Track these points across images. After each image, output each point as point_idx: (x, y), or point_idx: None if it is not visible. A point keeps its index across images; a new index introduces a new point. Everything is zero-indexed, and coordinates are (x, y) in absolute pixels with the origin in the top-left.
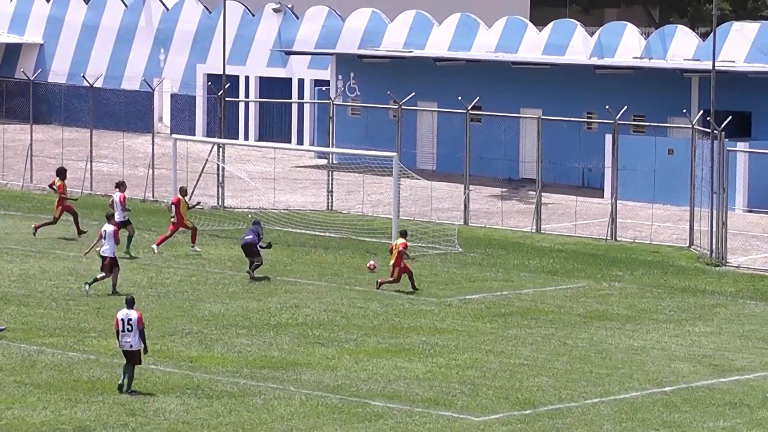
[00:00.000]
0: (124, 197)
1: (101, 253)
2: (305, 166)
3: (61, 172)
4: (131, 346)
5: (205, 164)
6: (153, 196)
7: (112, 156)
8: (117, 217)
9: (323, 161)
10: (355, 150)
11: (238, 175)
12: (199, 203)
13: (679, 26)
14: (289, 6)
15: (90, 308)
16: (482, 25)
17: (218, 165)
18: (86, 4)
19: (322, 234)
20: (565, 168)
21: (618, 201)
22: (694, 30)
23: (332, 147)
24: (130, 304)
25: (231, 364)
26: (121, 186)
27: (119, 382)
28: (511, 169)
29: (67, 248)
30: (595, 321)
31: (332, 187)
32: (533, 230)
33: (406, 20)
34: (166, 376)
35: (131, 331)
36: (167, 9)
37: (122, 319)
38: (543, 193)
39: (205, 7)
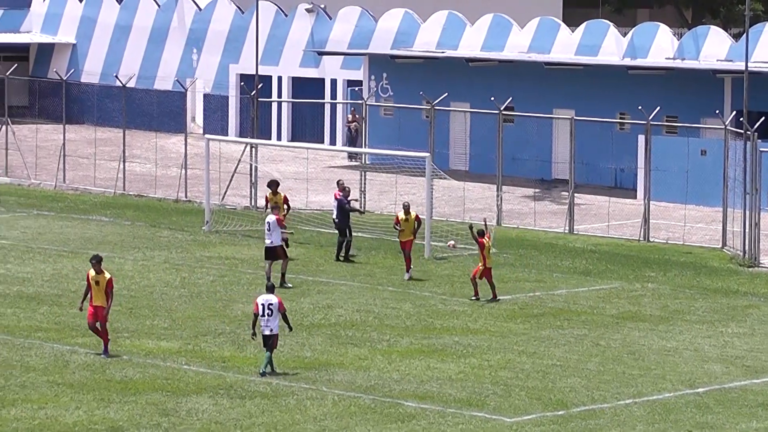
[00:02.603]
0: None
1: (268, 244)
2: (338, 167)
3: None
4: (271, 331)
5: (238, 164)
6: (186, 197)
7: (144, 156)
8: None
9: (356, 162)
10: (388, 150)
11: (271, 175)
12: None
13: (712, 27)
14: (322, 6)
15: (123, 308)
16: (515, 26)
17: (251, 165)
18: (119, 4)
19: (355, 234)
20: (598, 169)
21: (651, 202)
22: (726, 31)
23: (365, 147)
24: (270, 289)
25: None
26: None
27: (261, 371)
28: (544, 169)
29: (99, 248)
30: (628, 322)
31: (365, 188)
32: (566, 231)
33: (439, 20)
34: (198, 377)
35: (271, 315)
36: (200, 9)
37: (263, 304)
38: (576, 194)
39: (237, 7)
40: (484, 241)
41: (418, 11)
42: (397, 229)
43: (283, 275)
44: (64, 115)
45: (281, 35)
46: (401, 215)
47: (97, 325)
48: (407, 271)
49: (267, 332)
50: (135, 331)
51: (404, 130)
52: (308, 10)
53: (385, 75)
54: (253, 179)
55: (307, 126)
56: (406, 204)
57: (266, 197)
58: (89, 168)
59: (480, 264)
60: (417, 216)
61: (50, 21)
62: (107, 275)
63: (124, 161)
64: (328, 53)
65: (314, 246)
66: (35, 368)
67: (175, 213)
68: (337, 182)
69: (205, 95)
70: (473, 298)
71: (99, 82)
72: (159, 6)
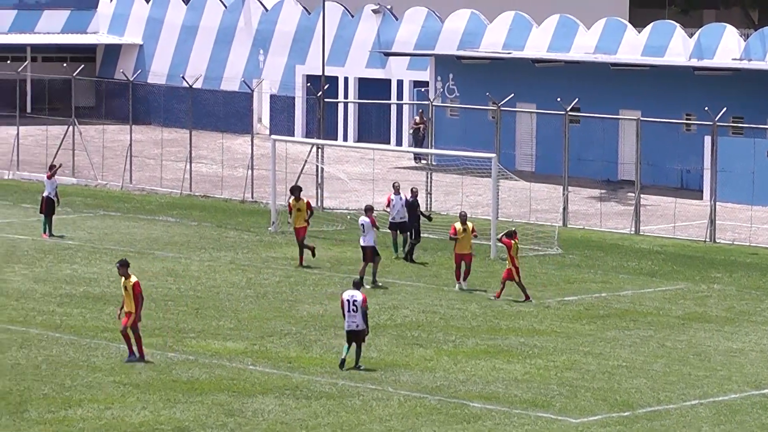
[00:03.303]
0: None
1: (362, 243)
2: (404, 167)
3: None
4: (357, 326)
5: (304, 165)
6: (252, 197)
7: (210, 157)
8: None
9: (422, 163)
10: (454, 151)
11: (337, 176)
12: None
13: None
14: (388, 7)
15: (189, 309)
16: (581, 27)
17: (317, 166)
18: (185, 4)
19: (421, 235)
20: (664, 169)
21: (717, 203)
22: None
23: (431, 148)
24: (356, 285)
25: (329, 365)
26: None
27: (341, 357)
28: (610, 170)
29: (166, 248)
30: (694, 323)
31: (431, 189)
32: (632, 232)
33: (506, 21)
34: (264, 377)
35: (356, 311)
36: (266, 10)
37: (348, 300)
38: (641, 195)
39: (304, 8)
40: (512, 243)
41: (485, 12)
42: (454, 239)
43: (374, 275)
44: (131, 116)
45: (347, 36)
46: (458, 226)
47: (128, 331)
48: (463, 280)
49: (352, 327)
50: (201, 331)
51: (470, 130)
52: (374, 11)
53: (451, 76)
54: (319, 180)
55: (373, 127)
56: (462, 213)
57: (289, 204)
58: (156, 169)
59: (509, 265)
60: (474, 227)
61: (117, 22)
62: (133, 279)
63: (190, 162)
64: (394, 54)
65: (379, 247)
66: (102, 368)
67: (241, 214)
68: (393, 184)
69: (271, 96)
70: (493, 297)
71: (165, 83)
72: (226, 7)
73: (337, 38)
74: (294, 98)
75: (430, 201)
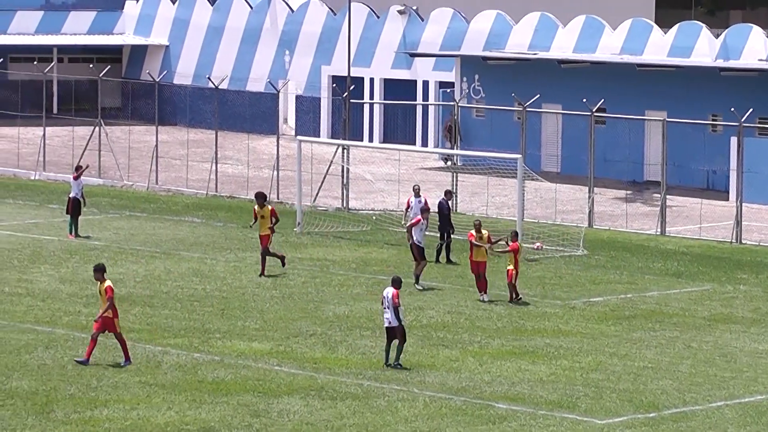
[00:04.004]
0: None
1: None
2: (430, 168)
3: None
4: (389, 323)
5: (330, 166)
6: (278, 198)
7: (236, 157)
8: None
9: (449, 164)
10: (480, 152)
11: (363, 177)
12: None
13: None
14: (414, 8)
15: (215, 309)
16: (607, 27)
17: (343, 166)
18: (211, 5)
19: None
20: (690, 170)
21: (743, 204)
22: None
23: (457, 149)
24: (394, 282)
25: (355, 365)
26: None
27: (386, 362)
28: (636, 171)
29: (191, 249)
30: (720, 324)
31: (457, 189)
32: (658, 233)
33: (531, 22)
34: (290, 378)
35: (389, 307)
36: (292, 11)
37: (383, 297)
38: (667, 196)
39: (329, 8)
40: (518, 245)
41: (510, 12)
42: (476, 244)
43: (416, 277)
44: (157, 117)
45: (373, 37)
46: (474, 233)
47: (99, 335)
48: (484, 292)
49: (386, 324)
50: (227, 332)
51: (496, 131)
52: (400, 12)
53: (477, 76)
54: (344, 181)
55: (399, 127)
56: (477, 222)
57: (254, 210)
58: (181, 169)
59: (510, 266)
60: (489, 236)
61: (143, 23)
62: (107, 283)
63: (216, 162)
64: (420, 55)
65: (405, 248)
66: (127, 369)
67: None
68: (413, 187)
69: (297, 97)
70: (511, 302)
71: (191, 84)
72: (251, 8)
73: (362, 39)
74: (320, 99)
75: (456, 202)
